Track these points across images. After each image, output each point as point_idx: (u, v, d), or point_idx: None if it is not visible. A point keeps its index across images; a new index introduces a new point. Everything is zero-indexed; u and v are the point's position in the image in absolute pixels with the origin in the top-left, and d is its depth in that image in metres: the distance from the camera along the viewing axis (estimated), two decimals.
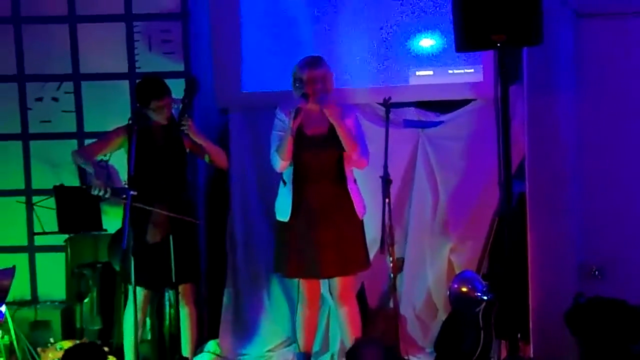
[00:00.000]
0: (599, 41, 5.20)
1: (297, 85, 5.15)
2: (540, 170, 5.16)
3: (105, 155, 5.65)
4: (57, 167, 6.05)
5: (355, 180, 5.24)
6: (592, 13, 5.17)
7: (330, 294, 5.36)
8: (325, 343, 5.84)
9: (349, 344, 5.30)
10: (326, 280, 5.32)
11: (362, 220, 5.27)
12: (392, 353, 3.64)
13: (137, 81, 5.41)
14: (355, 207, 5.18)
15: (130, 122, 5.16)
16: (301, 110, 5.05)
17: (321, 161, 5.14)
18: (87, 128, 6.07)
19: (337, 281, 5.24)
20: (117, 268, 5.41)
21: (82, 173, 5.91)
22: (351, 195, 5.17)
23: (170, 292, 5.32)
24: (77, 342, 5.28)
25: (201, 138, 5.26)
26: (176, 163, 5.30)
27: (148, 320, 5.55)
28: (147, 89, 5.28)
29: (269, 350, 5.89)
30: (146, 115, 5.26)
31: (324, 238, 5.12)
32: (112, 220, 5.67)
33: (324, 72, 5.16)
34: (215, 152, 5.37)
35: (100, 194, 5.14)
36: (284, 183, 5.22)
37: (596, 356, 4.58)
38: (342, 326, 5.37)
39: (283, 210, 5.21)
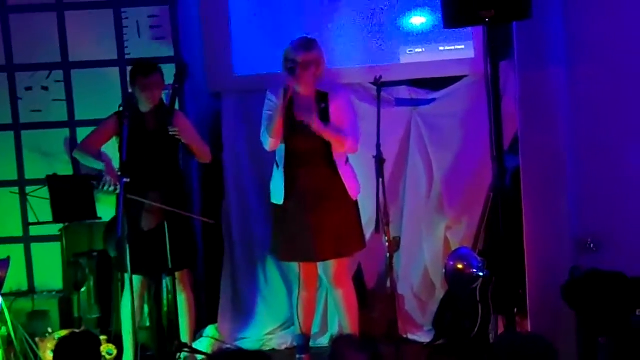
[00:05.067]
0: (590, 14, 5.15)
1: (288, 65, 5.11)
2: (534, 145, 5.13)
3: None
4: (50, 157, 6.03)
5: (347, 161, 5.22)
6: None
7: (325, 277, 5.35)
8: (324, 324, 5.86)
9: (346, 326, 5.31)
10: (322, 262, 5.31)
11: (356, 201, 5.25)
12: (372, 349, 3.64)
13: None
14: (348, 189, 5.16)
15: (120, 108, 5.15)
16: (290, 88, 5.03)
17: (311, 145, 5.11)
18: (78, 116, 6.03)
19: (331, 264, 5.23)
20: (113, 256, 5.40)
21: (75, 162, 5.89)
22: (343, 177, 5.15)
23: (168, 278, 5.31)
24: (75, 331, 5.29)
25: (189, 138, 5.23)
26: (168, 149, 5.27)
27: (146, 307, 5.54)
28: (135, 67, 5.28)
29: (267, 334, 5.90)
30: (137, 102, 5.24)
31: (316, 221, 5.11)
32: (107, 208, 5.65)
33: (317, 56, 5.13)
34: (200, 150, 5.34)
35: (111, 189, 5.14)
36: (277, 166, 5.21)
37: (594, 328, 4.59)
38: (338, 309, 5.37)
39: (276, 193, 5.20)
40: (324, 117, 5.08)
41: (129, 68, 5.46)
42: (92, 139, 5.38)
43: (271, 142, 5.11)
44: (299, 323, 5.38)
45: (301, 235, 5.15)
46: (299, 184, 5.14)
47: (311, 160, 5.12)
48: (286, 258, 5.34)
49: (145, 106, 5.25)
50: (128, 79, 5.31)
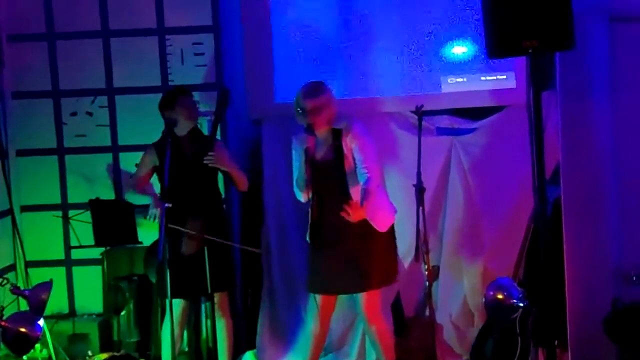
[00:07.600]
0: (634, 45, 5.15)
1: (299, 111, 5.10)
2: (576, 176, 5.12)
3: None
4: (93, 181, 6.10)
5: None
6: (626, 17, 5.12)
7: (358, 311, 5.30)
8: (361, 352, 5.83)
9: (383, 358, 5.27)
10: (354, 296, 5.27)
11: (388, 233, 5.20)
12: None
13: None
14: (374, 224, 5.08)
15: (163, 134, 5.18)
16: (310, 149, 5.05)
17: (331, 184, 5.11)
18: (122, 142, 6.11)
19: (360, 298, 5.19)
20: (154, 281, 5.43)
21: (117, 187, 5.95)
22: (365, 213, 5.02)
23: (207, 304, 5.33)
24: (115, 354, 5.32)
25: (225, 165, 5.25)
26: (207, 176, 5.29)
27: (185, 332, 5.56)
28: (172, 91, 5.32)
29: None
30: (173, 129, 5.24)
31: (339, 256, 5.09)
32: (148, 232, 5.70)
33: (325, 100, 5.10)
34: (238, 177, 5.36)
35: (151, 221, 5.20)
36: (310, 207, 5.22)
37: None
38: (373, 344, 5.33)
39: (305, 231, 5.21)
40: (338, 153, 5.07)
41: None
42: (138, 177, 5.44)
43: (302, 195, 5.16)
44: (308, 354, 5.35)
45: (323, 269, 5.15)
46: (323, 221, 5.12)
47: (333, 197, 5.09)
48: (311, 289, 5.32)
49: (183, 129, 5.27)
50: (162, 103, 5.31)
